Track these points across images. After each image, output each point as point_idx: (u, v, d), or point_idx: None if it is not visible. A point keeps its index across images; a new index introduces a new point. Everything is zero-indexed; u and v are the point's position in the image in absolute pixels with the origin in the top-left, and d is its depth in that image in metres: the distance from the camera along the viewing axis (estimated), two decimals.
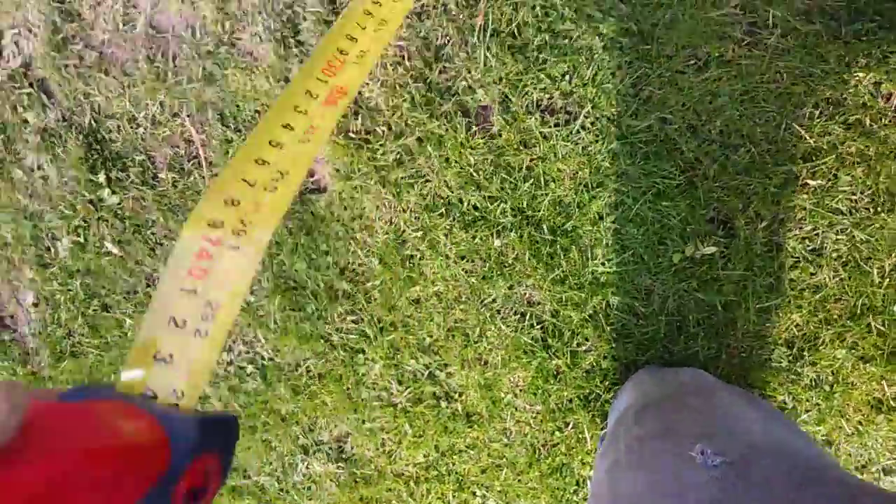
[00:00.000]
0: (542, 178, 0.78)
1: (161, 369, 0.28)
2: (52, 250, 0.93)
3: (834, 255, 0.74)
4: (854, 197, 0.72)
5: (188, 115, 0.87)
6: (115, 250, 0.90)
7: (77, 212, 0.91)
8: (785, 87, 0.71)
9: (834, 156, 0.71)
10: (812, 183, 0.73)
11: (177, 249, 0.28)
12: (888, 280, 0.73)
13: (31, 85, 0.89)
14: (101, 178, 0.88)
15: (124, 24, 0.86)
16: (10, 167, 0.92)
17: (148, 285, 0.91)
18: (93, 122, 0.89)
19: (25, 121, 0.90)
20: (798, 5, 0.70)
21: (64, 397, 0.25)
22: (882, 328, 0.74)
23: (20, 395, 0.21)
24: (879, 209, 0.72)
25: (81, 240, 0.91)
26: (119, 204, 0.90)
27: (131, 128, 0.88)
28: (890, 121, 0.70)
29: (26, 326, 0.98)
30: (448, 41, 0.79)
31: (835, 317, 0.75)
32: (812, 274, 0.74)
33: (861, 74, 0.70)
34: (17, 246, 0.94)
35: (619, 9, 0.74)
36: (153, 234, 0.90)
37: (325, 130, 0.36)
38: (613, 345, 0.80)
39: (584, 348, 0.80)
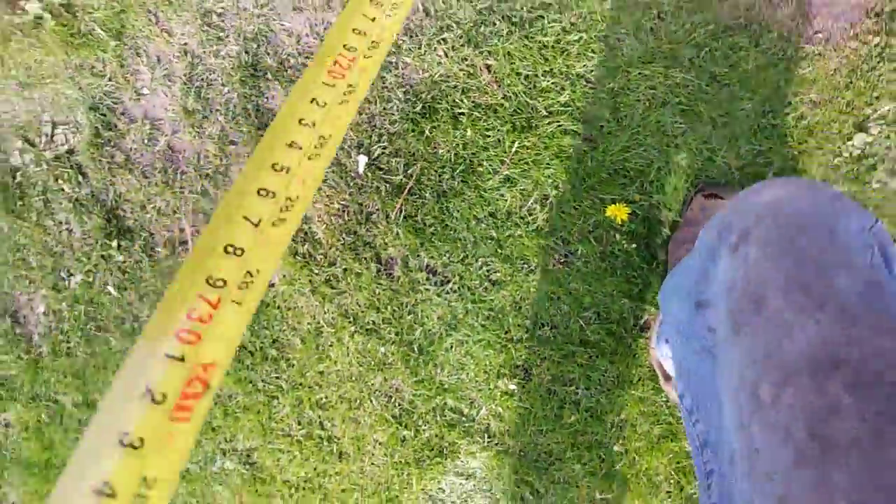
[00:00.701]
0: (420, 314, 1.18)
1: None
2: (66, 281, 1.28)
3: None
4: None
5: (185, 214, 1.22)
6: (114, 293, 1.26)
7: (91, 260, 1.25)
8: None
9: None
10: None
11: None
12: None
13: (71, 166, 1.22)
14: (114, 243, 1.23)
15: (148, 141, 1.20)
16: (44, 218, 1.25)
17: (135, 320, 1.27)
18: (113, 202, 1.23)
19: (62, 189, 1.24)
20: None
21: None
22: None
23: None
24: None
25: (90, 280, 1.26)
26: (123, 262, 1.25)
27: (141, 212, 1.23)
28: None
29: (34, 326, 1.32)
30: (375, 211, 1.17)
31: None
32: None
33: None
34: (39, 271, 1.28)
35: (489, 232, 1.13)
36: (145, 287, 1.25)
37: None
38: (447, 429, 1.21)
39: (425, 426, 1.22)
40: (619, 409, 1.12)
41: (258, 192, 0.37)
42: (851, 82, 1.03)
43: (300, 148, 0.41)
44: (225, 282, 0.33)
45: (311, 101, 0.44)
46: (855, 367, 0.43)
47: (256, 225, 0.37)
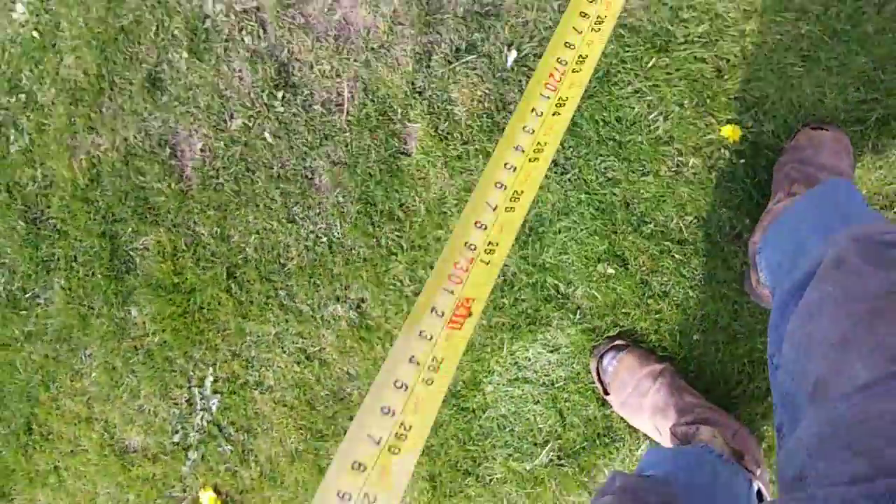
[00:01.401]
0: (537, 198, 1.34)
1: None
2: (227, 123, 1.45)
3: None
4: None
5: (346, 79, 1.39)
6: (269, 139, 1.43)
7: (254, 106, 1.43)
8: None
9: None
10: None
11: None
12: None
13: (255, 21, 1.40)
14: (279, 94, 1.40)
15: (328, 10, 1.38)
16: (221, 63, 1.43)
17: (282, 167, 1.44)
18: (286, 58, 1.40)
19: (243, 40, 1.41)
20: None
21: None
22: None
23: None
24: None
25: (250, 124, 1.43)
26: (283, 113, 1.42)
27: (308, 72, 1.40)
28: None
29: (189, 161, 1.49)
30: (513, 101, 1.33)
31: None
32: None
33: None
34: (205, 111, 1.46)
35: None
36: (296, 139, 1.42)
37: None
38: (542, 303, 1.37)
39: (523, 298, 1.37)
40: (703, 303, 1.28)
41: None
42: None
43: (523, 151, 0.49)
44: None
45: (530, 111, 0.50)
46: None
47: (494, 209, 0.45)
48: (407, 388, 0.35)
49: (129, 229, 1.54)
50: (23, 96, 1.58)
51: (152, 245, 1.53)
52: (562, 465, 1.36)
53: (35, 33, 1.54)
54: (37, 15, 1.54)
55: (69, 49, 1.50)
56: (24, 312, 1.65)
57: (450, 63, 1.35)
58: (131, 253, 1.56)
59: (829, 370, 0.57)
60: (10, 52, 1.58)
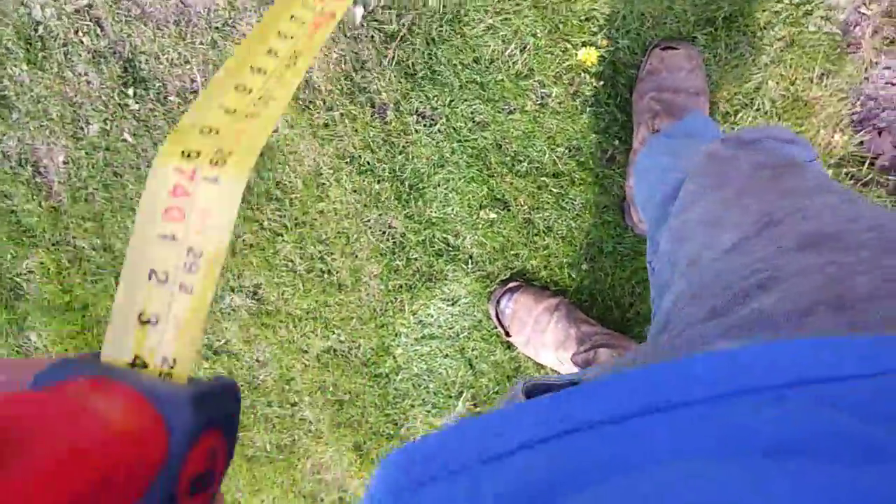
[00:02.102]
0: (410, 154, 1.32)
1: (149, 333, 0.24)
2: (84, 130, 1.39)
3: None
4: None
5: (195, 64, 1.34)
6: (130, 139, 1.38)
7: (108, 108, 1.37)
8: None
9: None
10: None
11: (149, 186, 0.24)
12: None
13: (90, 20, 1.33)
14: (130, 91, 1.35)
15: None
16: (65, 69, 1.36)
17: (149, 165, 1.39)
18: (129, 54, 1.34)
19: (82, 42, 1.35)
20: None
21: (40, 379, 0.23)
22: None
23: None
24: None
25: (107, 128, 1.38)
26: (138, 110, 1.36)
27: (155, 63, 1.34)
28: None
29: (54, 175, 1.44)
30: (370, 59, 1.30)
31: None
32: None
33: None
34: (59, 121, 1.39)
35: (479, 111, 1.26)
36: (158, 134, 1.37)
37: (310, 55, 0.32)
38: (435, 258, 1.35)
39: (416, 257, 1.36)
40: (586, 232, 1.28)
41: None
42: None
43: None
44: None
45: None
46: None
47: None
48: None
49: (9, 255, 1.48)
50: None
51: (35, 267, 1.48)
52: (479, 412, 1.36)
53: None
54: None
55: None
56: None
57: None
58: (17, 279, 1.50)
59: (701, 246, 0.58)
60: None
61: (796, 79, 1.21)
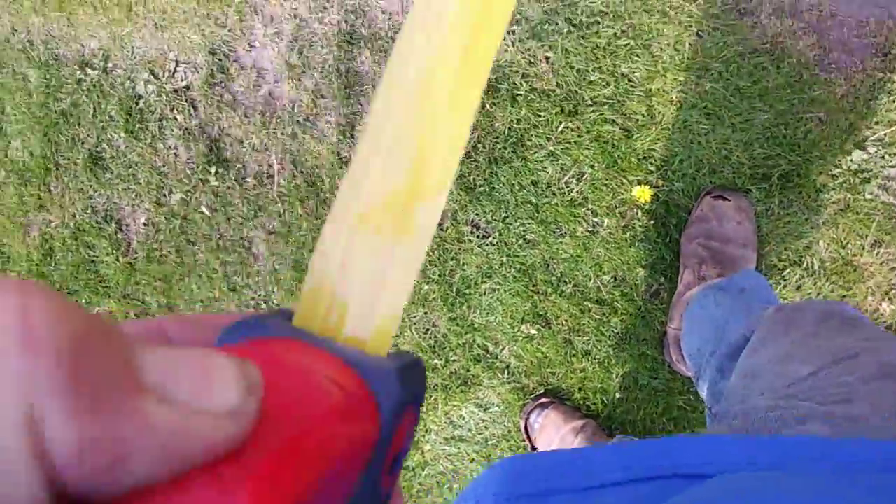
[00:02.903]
0: (461, 261, 1.38)
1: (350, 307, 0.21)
2: (167, 197, 1.51)
3: None
4: None
5: (274, 152, 1.44)
6: (206, 212, 1.48)
7: (190, 181, 1.48)
8: None
9: None
10: None
11: None
12: None
13: (186, 100, 1.45)
14: (213, 169, 1.46)
15: (253, 86, 1.42)
16: (157, 141, 1.48)
17: (220, 237, 1.49)
18: (217, 135, 1.45)
19: (176, 118, 1.46)
20: None
21: (227, 337, 0.20)
22: None
23: (254, 371, 0.16)
24: None
25: (188, 199, 1.49)
26: (218, 187, 1.47)
27: (238, 147, 1.45)
28: None
29: (134, 234, 1.55)
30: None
31: None
32: None
33: None
34: (146, 186, 1.51)
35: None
36: (232, 210, 1.48)
37: None
38: (472, 363, 1.40)
39: (454, 358, 1.41)
40: (623, 362, 1.31)
41: None
42: (855, 107, 1.21)
43: None
44: None
45: None
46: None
47: None
48: None
49: (83, 301, 1.60)
50: None
51: (104, 316, 1.59)
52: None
53: None
54: None
55: (16, 133, 1.57)
56: None
57: None
58: None
59: (774, 377, 0.63)
60: None
61: (848, 243, 1.22)
